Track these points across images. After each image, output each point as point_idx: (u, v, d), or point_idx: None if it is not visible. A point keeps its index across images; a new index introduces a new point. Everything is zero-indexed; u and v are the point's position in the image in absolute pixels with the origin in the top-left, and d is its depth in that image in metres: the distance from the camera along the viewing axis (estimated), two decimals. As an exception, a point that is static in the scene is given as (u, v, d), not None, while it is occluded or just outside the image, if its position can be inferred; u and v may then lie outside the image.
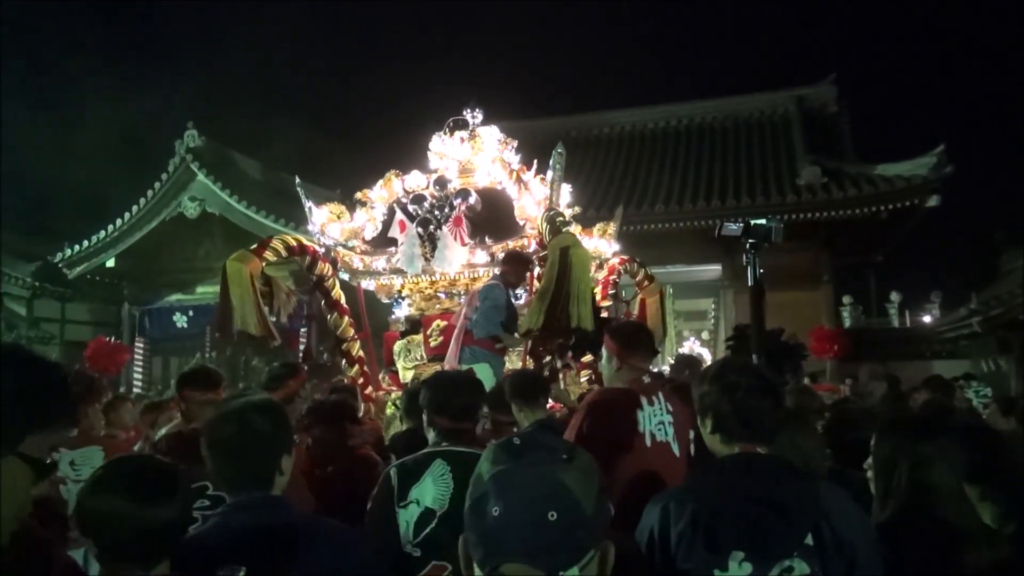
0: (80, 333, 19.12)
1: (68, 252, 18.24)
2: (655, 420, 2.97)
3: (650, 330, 3.41)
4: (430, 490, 2.54)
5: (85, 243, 18.15)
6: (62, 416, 1.23)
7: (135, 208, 17.83)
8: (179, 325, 18.10)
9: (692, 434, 2.90)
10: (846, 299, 17.86)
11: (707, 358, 20.03)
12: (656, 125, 20.27)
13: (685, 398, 2.79)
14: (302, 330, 15.57)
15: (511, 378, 4.21)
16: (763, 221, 3.40)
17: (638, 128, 20.40)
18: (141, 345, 18.67)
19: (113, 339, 10.60)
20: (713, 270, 17.72)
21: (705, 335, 21.73)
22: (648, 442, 2.92)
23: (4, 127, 23.07)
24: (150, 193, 17.77)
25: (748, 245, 3.52)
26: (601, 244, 7.71)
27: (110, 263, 18.30)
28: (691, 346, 21.15)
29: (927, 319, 19.67)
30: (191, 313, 17.83)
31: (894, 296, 19.08)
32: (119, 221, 17.93)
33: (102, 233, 18.06)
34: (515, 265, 6.01)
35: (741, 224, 3.46)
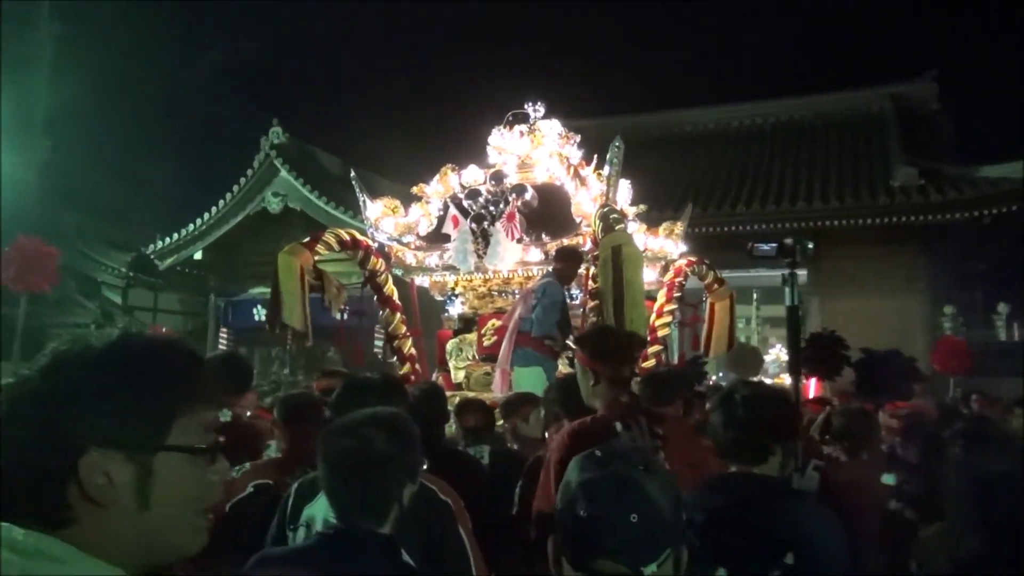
0: (171, 322, 19.89)
1: (160, 244, 18.96)
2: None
3: (625, 331, 3.03)
4: (322, 510, 2.19)
5: (175, 235, 18.83)
6: (206, 394, 1.01)
7: (221, 202, 18.39)
8: (257, 318, 18.54)
9: None
10: (947, 309, 16.77)
11: (793, 367, 19.25)
12: (741, 123, 19.56)
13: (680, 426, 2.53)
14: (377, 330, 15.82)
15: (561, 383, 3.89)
16: (790, 241, 3.27)
17: (721, 126, 19.73)
18: (225, 335, 19.23)
19: (166, 329, 10.77)
20: (798, 275, 16.93)
21: (792, 342, 20.86)
22: None
23: (104, 126, 24.27)
24: (236, 188, 18.29)
25: (786, 265, 3.32)
26: (667, 244, 7.37)
27: (198, 255, 18.92)
28: (777, 353, 20.38)
29: (1032, 334, 18.30)
30: (262, 308, 18.28)
31: (1001, 307, 17.82)
32: (207, 215, 18.53)
33: (191, 226, 18.70)
34: (567, 262, 5.79)
35: (774, 245, 3.33)
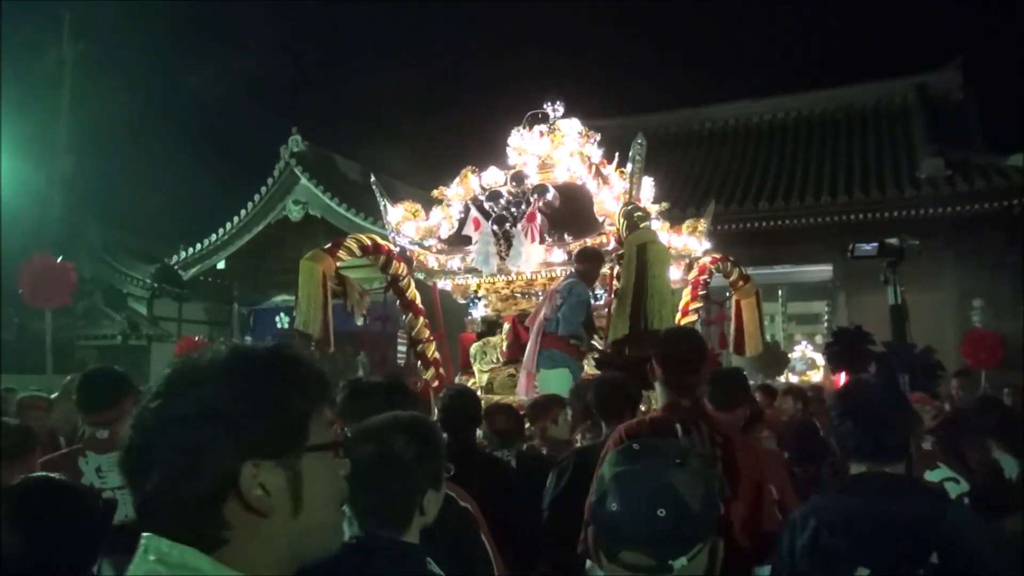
0: (196, 331, 20.04)
1: (183, 254, 19.12)
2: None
3: (701, 340, 2.93)
4: None
5: (198, 246, 18.98)
6: (324, 391, 1.02)
7: (243, 212, 18.52)
8: (279, 325, 18.64)
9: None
10: (976, 302, 16.44)
11: (819, 363, 19.03)
12: (762, 119, 19.34)
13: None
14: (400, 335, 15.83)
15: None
16: (895, 241, 3.24)
17: (742, 122, 19.52)
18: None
19: (199, 338, 10.83)
20: (824, 270, 16.70)
21: (819, 339, 20.62)
22: None
23: (126, 139, 24.55)
24: (257, 197, 18.41)
25: (886, 264, 3.28)
26: (691, 242, 7.27)
27: (220, 265, 19.07)
28: (803, 350, 20.13)
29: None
30: (294, 313, 18.34)
31: (1033, 299, 17.44)
32: (228, 225, 18.67)
33: (213, 236, 18.85)
34: (588, 263, 5.72)
35: (875, 244, 3.31)
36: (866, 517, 1.89)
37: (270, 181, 18.38)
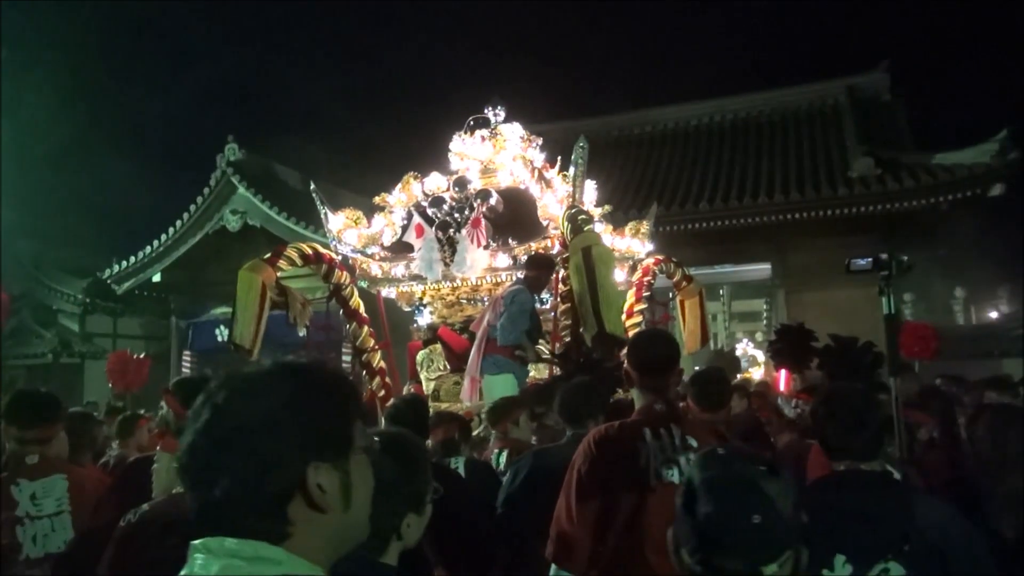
0: (132, 347, 19.39)
1: (116, 268, 18.51)
2: (662, 457, 2.47)
3: (673, 341, 2.91)
4: None
5: (132, 259, 18.40)
6: (359, 400, 1.16)
7: (178, 223, 18.02)
8: (220, 339, 18.19)
9: None
10: (907, 296, 16.99)
11: (761, 360, 19.41)
12: (700, 121, 19.66)
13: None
14: (344, 344, 15.54)
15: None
16: (885, 255, 3.44)
17: (681, 125, 19.81)
18: (188, 358, 18.84)
19: (135, 354, 10.43)
20: (763, 269, 17.06)
21: (759, 336, 21.04)
22: (652, 482, 2.44)
23: (55, 152, 23.69)
24: (192, 207, 17.94)
25: (881, 278, 3.44)
26: (634, 244, 7.31)
27: (156, 278, 18.52)
28: (744, 348, 20.52)
29: (994, 315, 18.57)
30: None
31: (958, 292, 18.10)
32: (163, 236, 18.14)
33: (148, 248, 18.29)
34: (539, 270, 5.70)
35: (870, 260, 3.47)
36: (844, 509, 2.03)
37: (206, 191, 17.93)
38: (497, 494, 3.21)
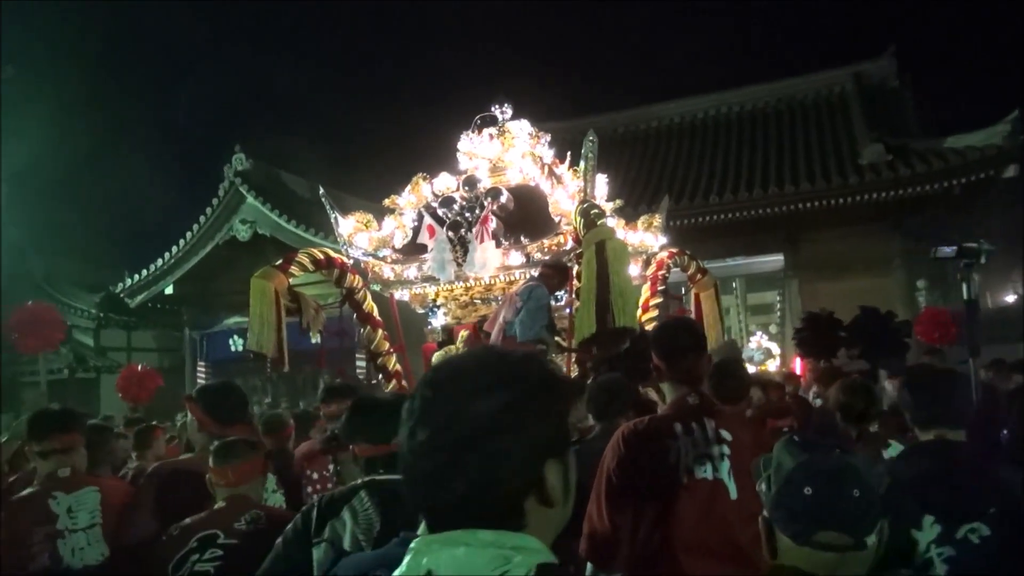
0: (146, 360, 19.46)
1: (129, 281, 18.59)
2: (694, 453, 2.42)
3: (698, 329, 2.84)
4: (348, 529, 2.10)
5: (144, 272, 18.47)
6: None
7: (189, 234, 18.09)
8: (234, 348, 18.23)
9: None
10: (920, 283, 16.85)
11: (776, 352, 19.27)
12: (706, 115, 19.57)
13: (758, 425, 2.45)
14: (359, 349, 15.52)
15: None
16: (975, 244, 3.55)
17: (687, 119, 19.73)
18: (203, 369, 18.89)
19: (144, 367, 10.47)
20: (775, 260, 16.95)
21: (773, 328, 20.90)
22: (684, 479, 2.39)
23: (65, 168, 23.82)
24: (202, 219, 17.99)
25: (962, 265, 3.61)
26: (647, 238, 7.26)
27: (168, 290, 18.60)
28: (759, 341, 20.39)
29: (1010, 299, 18.41)
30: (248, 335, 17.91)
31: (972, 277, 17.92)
32: (175, 248, 18.21)
33: (159, 261, 18.36)
34: (553, 271, 5.67)
35: (955, 248, 3.60)
36: (933, 475, 2.20)
37: (215, 201, 17.98)
38: None
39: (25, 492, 3.12)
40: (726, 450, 2.44)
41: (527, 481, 1.01)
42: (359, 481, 2.22)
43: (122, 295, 18.65)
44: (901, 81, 18.19)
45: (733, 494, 2.39)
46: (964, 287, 3.53)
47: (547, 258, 5.91)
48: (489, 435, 0.99)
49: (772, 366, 16.97)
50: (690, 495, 2.37)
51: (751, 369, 15.61)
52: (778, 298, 19.54)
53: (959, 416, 2.38)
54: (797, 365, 13.06)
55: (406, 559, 1.02)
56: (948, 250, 3.53)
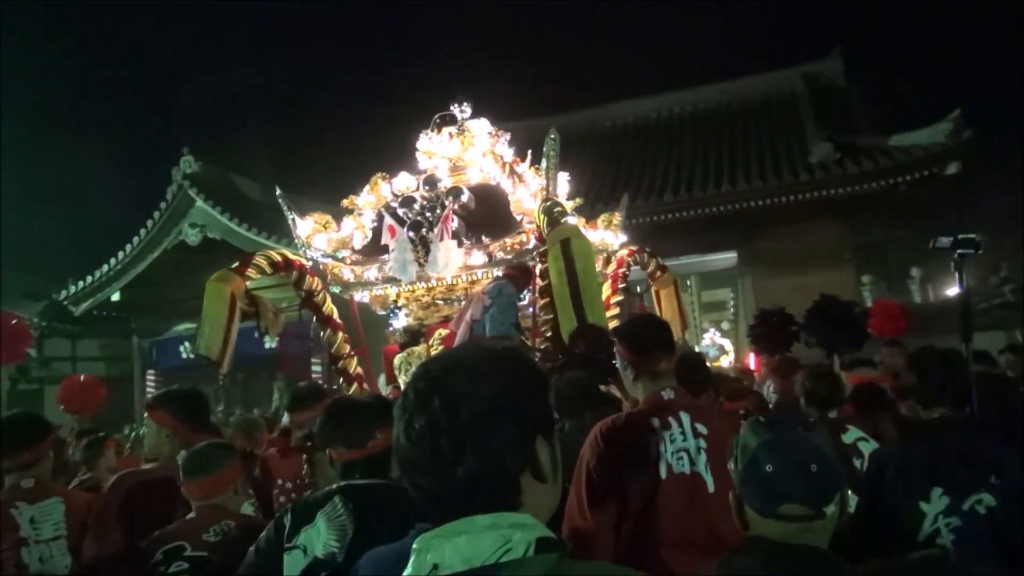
0: (92, 370, 18.89)
1: (73, 288, 18.00)
2: (673, 447, 2.40)
3: (666, 324, 2.83)
4: (321, 535, 2.03)
5: (89, 278, 17.90)
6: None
7: (136, 239, 17.58)
8: (185, 355, 17.79)
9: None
10: (865, 278, 17.25)
11: (729, 348, 19.55)
12: (659, 114, 19.76)
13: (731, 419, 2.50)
14: (315, 353, 15.26)
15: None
16: (973, 236, 3.59)
17: (641, 119, 19.88)
18: (153, 378, 18.40)
19: (83, 376, 10.09)
20: (729, 258, 17.18)
21: (725, 325, 21.19)
22: (663, 473, 2.37)
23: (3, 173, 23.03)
24: (150, 223, 17.51)
25: (957, 255, 3.65)
26: (607, 236, 7.27)
27: (115, 297, 18.05)
28: (712, 337, 20.66)
29: (951, 292, 18.93)
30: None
31: (914, 272, 18.44)
32: (121, 254, 17.68)
33: (105, 267, 17.81)
34: (518, 271, 5.65)
35: (951, 239, 3.64)
36: (940, 450, 2.35)
37: (163, 205, 17.51)
38: None
39: None
40: (703, 444, 2.42)
41: (523, 459, 1.06)
42: (334, 486, 2.15)
43: (66, 303, 18.05)
44: (848, 80, 18.61)
45: (711, 487, 2.38)
46: (957, 276, 3.61)
47: (510, 258, 5.87)
48: (488, 417, 1.03)
49: (725, 362, 17.21)
50: (670, 490, 2.35)
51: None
52: (731, 295, 19.82)
53: (961, 396, 2.53)
54: (751, 361, 13.27)
55: (412, 559, 1.03)
56: (945, 240, 3.61)
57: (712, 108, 19.27)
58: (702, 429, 2.44)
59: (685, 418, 2.44)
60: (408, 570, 1.02)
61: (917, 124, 15.44)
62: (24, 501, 2.94)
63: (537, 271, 5.87)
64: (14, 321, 8.06)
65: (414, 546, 1.04)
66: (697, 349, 16.82)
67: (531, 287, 6.03)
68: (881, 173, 14.63)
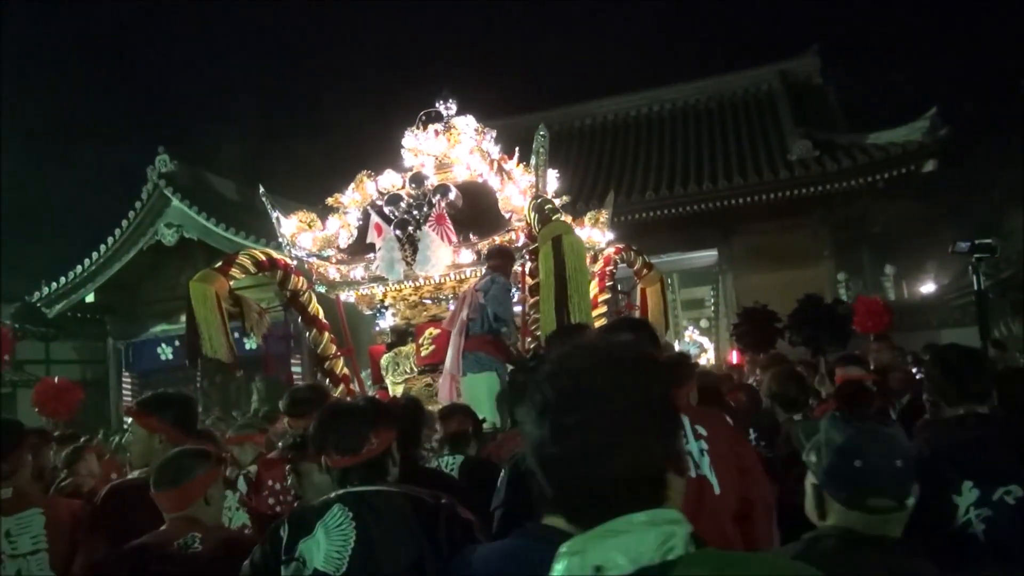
0: (67, 373, 18.53)
1: (46, 290, 17.66)
2: None
3: (646, 321, 2.77)
4: (321, 546, 1.97)
5: (62, 279, 17.57)
6: None
7: (111, 240, 17.28)
8: (163, 357, 17.53)
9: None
10: (840, 275, 17.41)
11: (708, 347, 19.62)
12: (639, 112, 19.78)
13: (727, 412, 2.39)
14: (294, 354, 15.10)
15: None
16: (989, 240, 3.84)
17: (620, 116, 19.90)
18: (128, 381, 18.12)
19: (59, 379, 9.90)
20: (709, 256, 17.25)
21: (704, 323, 21.27)
22: None
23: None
24: (125, 223, 17.21)
25: (975, 259, 3.91)
26: (594, 234, 7.24)
27: (90, 298, 17.72)
28: (690, 335, 20.73)
29: (924, 289, 19.17)
30: (176, 343, 17.22)
31: (888, 269, 18.65)
32: (95, 254, 17.37)
33: (79, 268, 17.49)
34: (500, 259, 5.53)
35: (969, 243, 3.89)
36: (968, 444, 2.42)
37: (138, 205, 17.22)
38: None
39: None
40: (704, 445, 2.39)
41: (671, 451, 1.07)
42: (332, 495, 2.07)
43: (39, 304, 17.70)
44: (824, 78, 18.76)
45: (717, 488, 2.36)
46: (974, 278, 3.85)
47: (490, 248, 5.74)
48: (641, 411, 1.03)
49: (703, 360, 17.28)
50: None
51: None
52: (711, 292, 19.90)
53: (986, 390, 2.61)
54: (733, 358, 13.32)
55: (563, 562, 0.99)
56: (964, 245, 3.80)
57: (691, 106, 19.33)
58: (702, 431, 2.41)
59: (684, 421, 2.37)
60: (560, 571, 0.99)
61: (892, 121, 15.61)
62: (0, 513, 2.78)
63: (527, 270, 5.82)
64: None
65: (564, 549, 1.00)
66: (677, 347, 16.91)
67: (520, 285, 5.98)
68: (859, 170, 14.76)
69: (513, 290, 6.11)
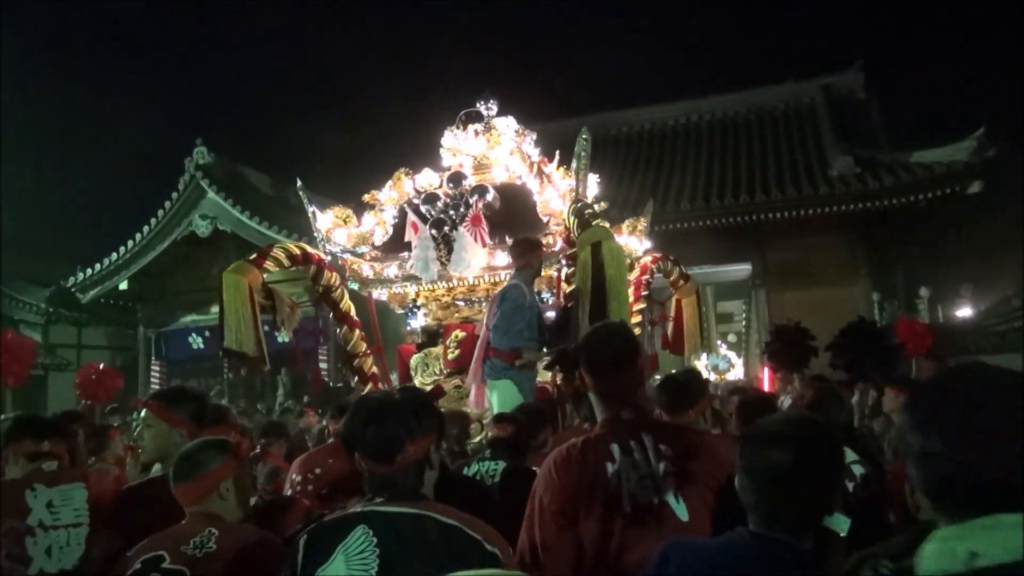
0: (97, 358, 18.76)
1: (81, 276, 17.92)
2: (636, 475, 2.07)
3: (630, 334, 2.48)
4: (340, 570, 1.75)
5: (97, 266, 17.82)
6: None
7: (146, 229, 17.50)
8: (195, 347, 17.67)
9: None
10: (875, 296, 17.05)
11: (736, 363, 19.30)
12: (677, 122, 19.59)
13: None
14: (321, 348, 15.09)
15: None
16: None
17: (658, 126, 19.73)
18: (158, 368, 18.31)
19: (102, 365, 10.01)
20: (743, 269, 16.99)
21: (732, 338, 20.94)
22: (627, 507, 2.03)
23: (17, 158, 22.95)
24: (160, 213, 17.43)
25: None
26: (632, 242, 7.09)
27: (123, 286, 17.97)
28: (719, 349, 20.41)
29: (960, 313, 18.73)
30: (207, 334, 17.38)
31: (923, 291, 18.24)
32: (130, 243, 17.60)
33: (114, 255, 17.73)
34: (522, 253, 5.22)
35: None
36: None
37: (174, 195, 17.43)
38: None
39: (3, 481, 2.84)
40: (669, 467, 2.10)
41: None
42: (353, 511, 1.86)
43: (74, 290, 17.98)
44: (868, 93, 18.44)
45: (684, 516, 2.05)
46: None
47: (512, 243, 5.45)
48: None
49: (731, 376, 16.97)
50: (636, 525, 2.04)
51: (713, 378, 15.59)
52: (743, 307, 19.62)
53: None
54: (765, 376, 13.06)
55: (935, 544, 1.11)
56: None
57: (730, 117, 19.11)
58: (667, 451, 2.12)
59: (648, 440, 2.13)
60: (928, 560, 1.10)
61: (937, 140, 15.28)
62: (43, 483, 2.75)
63: (563, 275, 5.70)
64: (10, 338, 7.98)
65: (939, 534, 1.12)
66: (706, 361, 16.64)
67: (555, 290, 5.87)
68: (902, 189, 14.47)
69: (546, 296, 6.00)
